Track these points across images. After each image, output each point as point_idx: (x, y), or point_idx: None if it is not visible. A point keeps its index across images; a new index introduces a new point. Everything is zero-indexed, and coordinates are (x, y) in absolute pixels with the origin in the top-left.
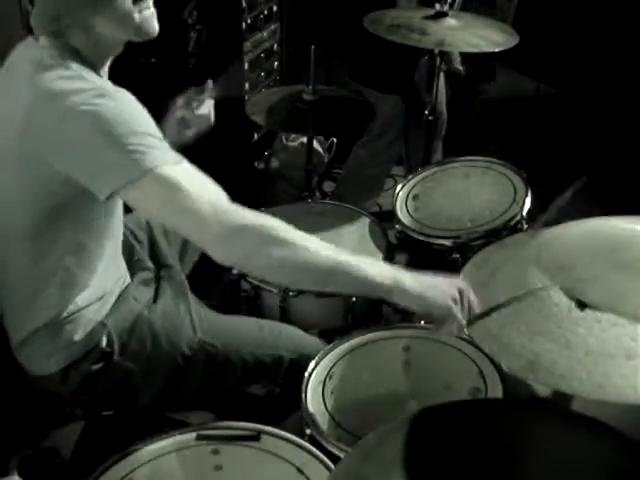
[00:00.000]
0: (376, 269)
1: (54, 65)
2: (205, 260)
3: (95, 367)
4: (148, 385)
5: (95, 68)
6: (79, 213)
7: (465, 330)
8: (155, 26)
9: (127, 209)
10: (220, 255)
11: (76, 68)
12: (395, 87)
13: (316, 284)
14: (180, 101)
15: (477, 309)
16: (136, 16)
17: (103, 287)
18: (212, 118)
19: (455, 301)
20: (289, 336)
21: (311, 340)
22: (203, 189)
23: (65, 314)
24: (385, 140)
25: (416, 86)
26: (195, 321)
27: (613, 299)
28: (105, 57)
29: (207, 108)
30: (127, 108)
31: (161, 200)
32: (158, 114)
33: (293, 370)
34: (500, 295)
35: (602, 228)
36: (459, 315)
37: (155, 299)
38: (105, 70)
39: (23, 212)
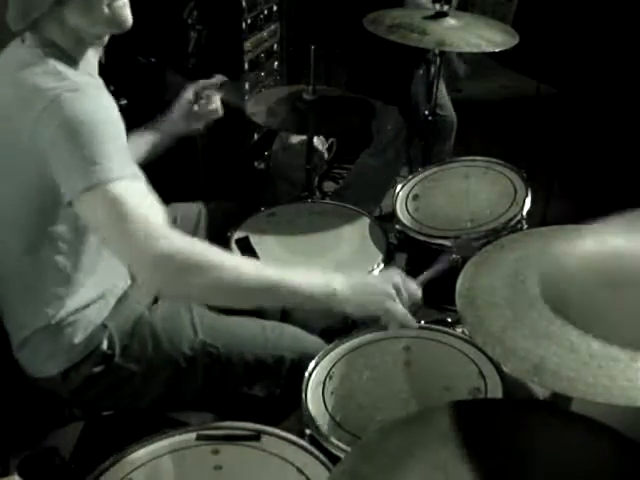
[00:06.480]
0: (308, 280)
1: (34, 63)
2: None
3: (96, 369)
4: (149, 387)
5: (75, 62)
6: (71, 213)
7: (412, 322)
8: (128, 17)
9: None
10: (149, 283)
11: (54, 64)
12: (393, 99)
13: (250, 303)
14: (190, 93)
15: (418, 296)
16: (105, 8)
17: (103, 288)
18: (220, 111)
19: (392, 299)
20: (290, 336)
21: (312, 340)
22: (145, 213)
23: (65, 316)
24: (392, 151)
25: (414, 98)
26: (196, 322)
27: (615, 330)
28: (83, 50)
29: (216, 102)
30: (96, 111)
31: (103, 217)
32: (158, 109)
33: (294, 370)
34: (499, 295)
35: (602, 251)
36: (398, 312)
37: (155, 300)
38: (93, 66)
39: (16, 212)
